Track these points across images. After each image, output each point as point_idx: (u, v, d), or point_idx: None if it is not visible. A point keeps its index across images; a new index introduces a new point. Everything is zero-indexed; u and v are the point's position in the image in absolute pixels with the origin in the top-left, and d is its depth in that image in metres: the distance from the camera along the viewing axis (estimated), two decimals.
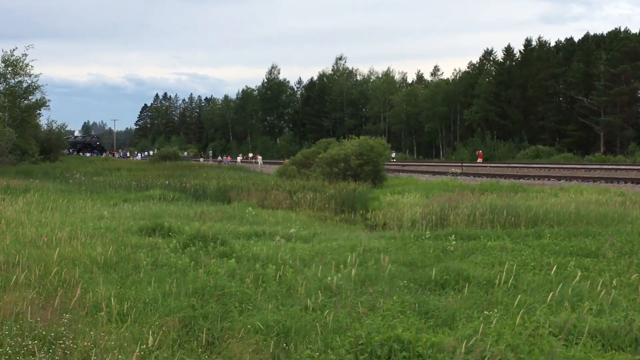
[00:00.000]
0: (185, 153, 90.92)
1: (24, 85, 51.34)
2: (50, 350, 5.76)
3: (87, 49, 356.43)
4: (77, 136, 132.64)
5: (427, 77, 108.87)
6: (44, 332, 6.11)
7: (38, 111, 54.85)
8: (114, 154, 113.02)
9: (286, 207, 23.08)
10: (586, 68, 75.52)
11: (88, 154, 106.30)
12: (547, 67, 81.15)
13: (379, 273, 9.16)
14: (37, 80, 51.95)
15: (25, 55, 50.44)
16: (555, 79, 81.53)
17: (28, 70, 50.57)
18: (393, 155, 73.26)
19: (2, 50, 51.70)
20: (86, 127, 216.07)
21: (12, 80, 50.76)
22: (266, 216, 19.00)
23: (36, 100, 53.05)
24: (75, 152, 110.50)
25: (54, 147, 65.57)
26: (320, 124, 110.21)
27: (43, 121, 68.43)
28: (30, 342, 5.85)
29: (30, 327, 6.25)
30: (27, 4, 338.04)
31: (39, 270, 8.74)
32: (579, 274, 8.72)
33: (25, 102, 52.25)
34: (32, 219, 15.04)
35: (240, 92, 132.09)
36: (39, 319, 6.45)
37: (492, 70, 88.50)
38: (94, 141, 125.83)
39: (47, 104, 53.95)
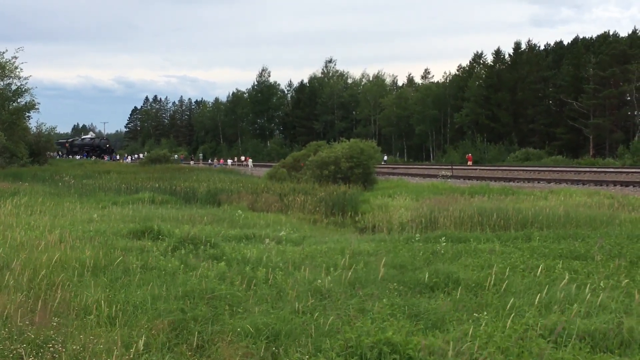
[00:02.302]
0: (176, 156, 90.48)
1: (13, 87, 51.01)
2: (39, 354, 5.74)
3: (77, 51, 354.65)
4: (85, 138, 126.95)
5: (418, 80, 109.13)
6: (32, 336, 6.09)
7: (27, 114, 54.44)
8: (103, 156, 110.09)
9: (276, 210, 23.08)
10: (575, 71, 75.85)
11: (104, 158, 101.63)
12: (537, 70, 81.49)
13: (369, 276, 9.17)
14: (26, 83, 51.67)
15: (15, 57, 50.10)
16: (544, 82, 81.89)
17: (17, 73, 50.27)
18: (385, 158, 73.37)
19: None
20: (76, 130, 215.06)
21: (1, 83, 50.44)
22: (256, 219, 18.98)
23: (25, 102, 52.69)
24: (84, 156, 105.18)
25: (43, 149, 65.22)
26: (310, 126, 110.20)
27: (32, 124, 67.94)
28: (19, 346, 5.83)
29: (19, 331, 6.22)
30: (15, 5, 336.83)
31: (28, 273, 8.70)
32: (568, 276, 8.76)
33: (14, 104, 51.89)
34: (21, 222, 14.97)
35: (230, 94, 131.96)
36: (28, 323, 6.43)
37: (482, 73, 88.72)
38: (104, 143, 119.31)
39: (36, 107, 53.60)
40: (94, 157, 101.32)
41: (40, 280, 8.42)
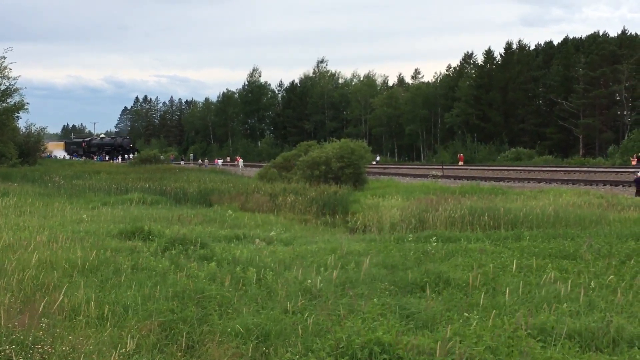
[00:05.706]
0: (162, 157, 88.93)
1: (2, 87, 50.66)
2: (28, 355, 5.70)
3: (67, 51, 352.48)
4: (104, 137, 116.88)
5: (408, 80, 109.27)
6: (21, 337, 6.04)
7: (16, 114, 54.09)
8: (93, 157, 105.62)
9: (267, 210, 23.07)
10: (565, 71, 76.16)
11: (119, 159, 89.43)
12: (527, 70, 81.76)
13: (359, 276, 9.17)
14: (15, 83, 51.35)
15: (4, 58, 49.81)
16: (535, 82, 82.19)
17: (6, 73, 49.95)
18: (377, 159, 73.45)
19: None
20: (66, 130, 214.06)
21: None
22: (247, 219, 18.97)
23: (14, 103, 52.35)
24: (103, 157, 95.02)
25: (32, 150, 64.93)
26: (301, 126, 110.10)
27: (22, 124, 67.55)
28: (7, 347, 5.78)
29: (7, 332, 6.17)
30: (3, 4, 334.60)
31: (17, 274, 8.64)
32: (558, 275, 8.79)
33: (3, 105, 51.57)
34: (10, 223, 14.89)
35: (221, 94, 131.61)
36: (16, 324, 6.39)
37: (472, 73, 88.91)
38: (127, 143, 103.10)
39: (25, 107, 53.26)
40: (120, 159, 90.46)
41: (30, 281, 8.37)
